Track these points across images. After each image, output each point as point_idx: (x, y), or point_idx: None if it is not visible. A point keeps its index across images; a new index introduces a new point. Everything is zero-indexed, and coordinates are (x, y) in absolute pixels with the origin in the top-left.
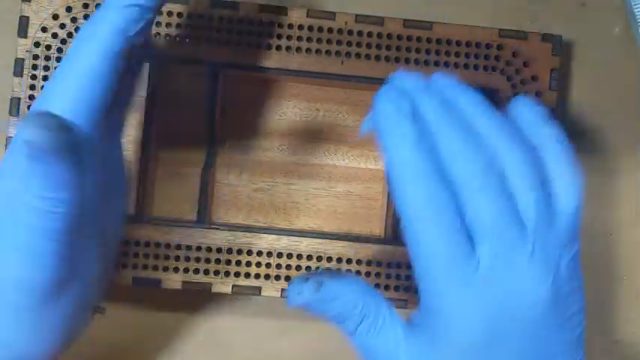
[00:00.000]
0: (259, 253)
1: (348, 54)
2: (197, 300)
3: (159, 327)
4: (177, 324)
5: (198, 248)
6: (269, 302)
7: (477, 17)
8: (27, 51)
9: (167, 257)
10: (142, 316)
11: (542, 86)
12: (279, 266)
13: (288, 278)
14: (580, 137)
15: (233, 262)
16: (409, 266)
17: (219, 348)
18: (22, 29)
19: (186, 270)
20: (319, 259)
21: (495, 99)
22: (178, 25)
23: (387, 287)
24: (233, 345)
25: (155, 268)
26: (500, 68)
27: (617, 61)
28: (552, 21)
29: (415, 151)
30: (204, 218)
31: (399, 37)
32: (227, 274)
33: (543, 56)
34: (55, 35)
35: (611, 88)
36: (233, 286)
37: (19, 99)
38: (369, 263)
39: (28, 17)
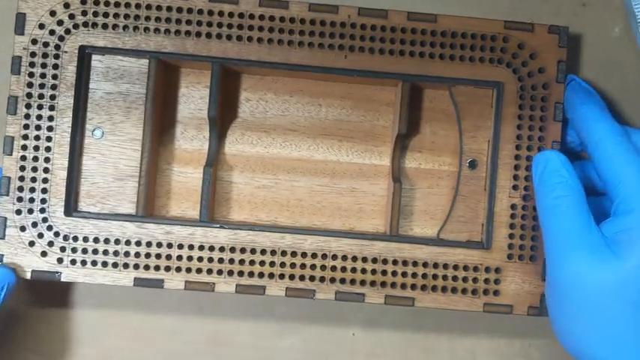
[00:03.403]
0: (263, 252)
1: (351, 48)
2: (197, 300)
3: (159, 328)
4: (178, 324)
5: (201, 247)
6: (269, 302)
7: (476, 16)
8: (24, 48)
9: (169, 257)
10: (143, 317)
11: (548, 78)
12: (283, 265)
13: (292, 277)
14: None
15: (236, 261)
16: (415, 263)
17: (219, 348)
18: (19, 26)
19: (188, 270)
20: (324, 257)
21: (501, 93)
22: (178, 21)
23: (393, 285)
24: (233, 345)
25: (157, 268)
26: (507, 61)
27: (617, 61)
28: (552, 21)
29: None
30: (206, 217)
31: (403, 30)
32: (230, 273)
33: (550, 48)
34: (52, 32)
35: (611, 88)
36: (237, 285)
37: (17, 97)
38: (374, 261)
39: (24, 14)
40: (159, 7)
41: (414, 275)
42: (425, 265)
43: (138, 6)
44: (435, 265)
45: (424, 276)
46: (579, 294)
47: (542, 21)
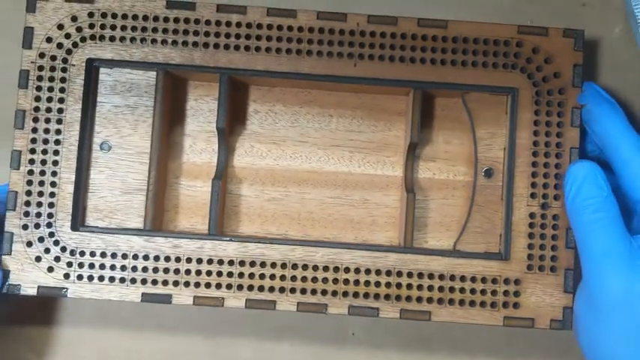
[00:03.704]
0: (273, 265)
1: (360, 56)
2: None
3: (159, 328)
4: (177, 324)
5: (210, 261)
6: None
7: (477, 19)
8: (32, 62)
9: (177, 271)
10: (142, 316)
11: (564, 83)
12: (294, 278)
13: (303, 291)
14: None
15: (246, 275)
16: (431, 276)
17: (219, 349)
18: (27, 40)
19: (197, 284)
20: (336, 270)
21: (516, 98)
22: (185, 32)
23: (408, 299)
24: (233, 345)
25: (165, 283)
26: (521, 66)
27: (617, 61)
28: (552, 21)
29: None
30: (215, 230)
31: (414, 37)
32: (240, 287)
33: (565, 52)
34: (60, 45)
35: (611, 88)
36: (247, 300)
37: (24, 111)
38: (388, 273)
39: (32, 28)
40: (166, 19)
41: (430, 288)
42: (441, 277)
43: (145, 18)
44: (452, 278)
45: (441, 289)
46: (626, 311)
47: (543, 21)
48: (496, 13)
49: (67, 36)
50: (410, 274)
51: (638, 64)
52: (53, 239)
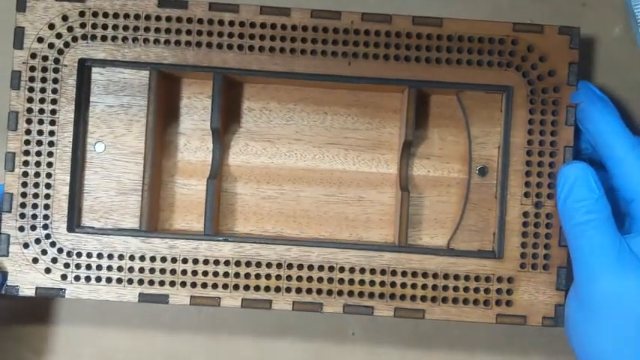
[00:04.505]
0: (269, 265)
1: (355, 54)
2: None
3: (158, 328)
4: (177, 324)
5: (206, 261)
6: None
7: (476, 18)
8: (23, 63)
9: (174, 272)
10: (142, 316)
11: (559, 81)
12: (289, 278)
13: (299, 290)
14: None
15: (242, 275)
16: (425, 274)
17: (219, 348)
18: (18, 40)
19: (193, 284)
20: (331, 269)
21: (510, 97)
22: (178, 31)
23: (402, 297)
24: (233, 345)
25: (162, 283)
26: (516, 64)
27: (617, 61)
28: (552, 21)
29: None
30: (211, 230)
31: (408, 35)
32: (236, 287)
33: (560, 50)
34: (51, 45)
35: (611, 89)
36: (243, 299)
37: (17, 112)
38: (383, 272)
39: (23, 28)
40: (158, 18)
41: (424, 287)
42: (435, 276)
43: (137, 17)
44: (446, 276)
45: (434, 287)
46: (616, 311)
47: (543, 21)
48: (496, 13)
49: (59, 36)
50: (404, 273)
51: (638, 63)
52: (49, 241)
